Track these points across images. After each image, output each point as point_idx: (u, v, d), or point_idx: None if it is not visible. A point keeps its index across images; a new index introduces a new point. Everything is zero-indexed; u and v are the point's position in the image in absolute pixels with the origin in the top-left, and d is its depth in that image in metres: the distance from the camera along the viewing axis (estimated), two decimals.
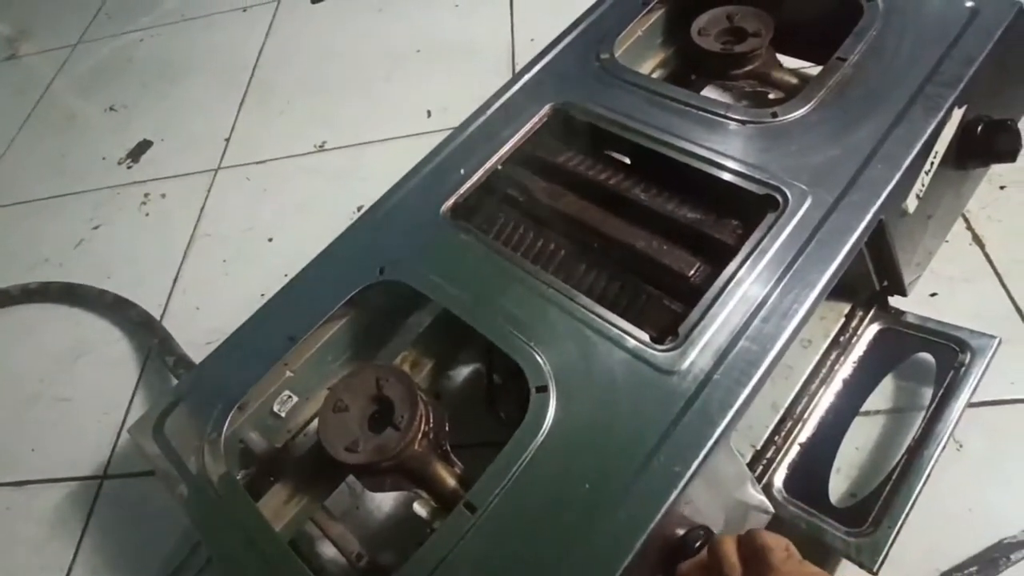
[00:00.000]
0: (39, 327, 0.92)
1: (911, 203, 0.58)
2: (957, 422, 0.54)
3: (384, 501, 0.66)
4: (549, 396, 0.50)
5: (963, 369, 0.55)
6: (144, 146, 1.14)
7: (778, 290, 0.51)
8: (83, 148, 1.18)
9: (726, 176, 0.60)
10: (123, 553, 0.69)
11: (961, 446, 0.57)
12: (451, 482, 0.52)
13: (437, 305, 0.61)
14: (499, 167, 0.69)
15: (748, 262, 0.53)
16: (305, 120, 1.08)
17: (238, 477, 0.64)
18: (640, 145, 0.66)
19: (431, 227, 0.65)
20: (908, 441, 0.55)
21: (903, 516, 0.50)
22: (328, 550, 0.62)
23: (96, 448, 0.77)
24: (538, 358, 0.52)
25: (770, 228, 0.55)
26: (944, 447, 0.53)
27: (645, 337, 0.52)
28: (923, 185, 0.59)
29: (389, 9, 1.22)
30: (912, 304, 0.63)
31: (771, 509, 0.51)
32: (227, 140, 1.10)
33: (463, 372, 0.73)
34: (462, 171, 0.68)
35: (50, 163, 1.18)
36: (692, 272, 0.58)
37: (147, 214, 1.03)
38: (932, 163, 0.59)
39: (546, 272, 0.59)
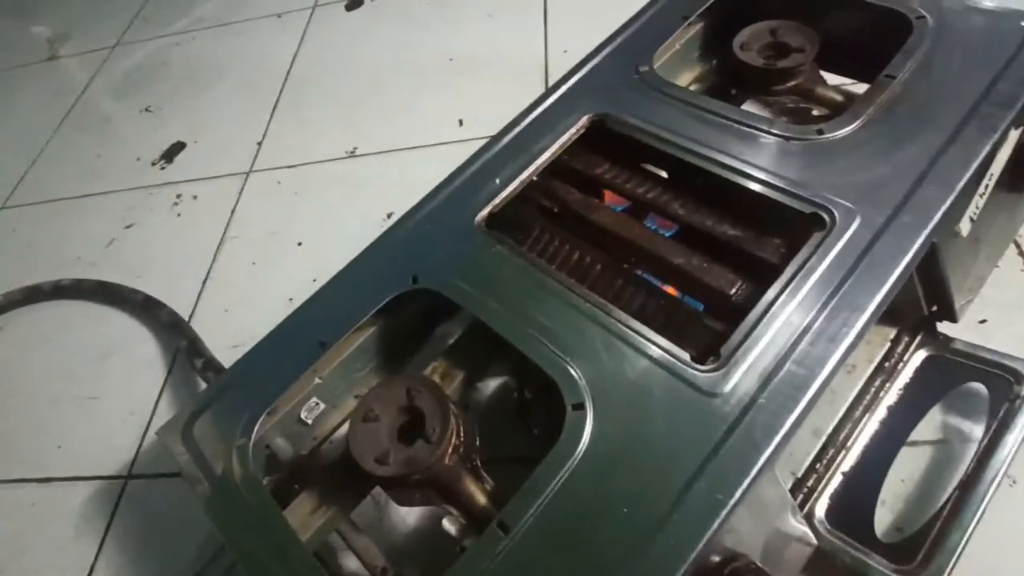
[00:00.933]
0: (69, 324, 0.93)
1: (964, 226, 0.56)
2: (1013, 457, 0.51)
3: (408, 514, 0.65)
4: (586, 414, 0.49)
5: (1019, 401, 0.53)
6: (177, 148, 1.15)
7: (825, 313, 0.50)
8: (117, 149, 1.20)
9: (769, 193, 0.58)
10: (146, 554, 0.68)
11: (1014, 482, 0.54)
12: (481, 499, 0.51)
13: (468, 316, 0.60)
14: (535, 178, 0.69)
15: (793, 283, 0.52)
16: (337, 126, 1.08)
17: (265, 484, 0.63)
18: (679, 159, 0.64)
19: (465, 237, 0.64)
20: (958, 475, 0.53)
21: (956, 554, 0.48)
22: (351, 562, 0.61)
23: (121, 448, 0.77)
24: (574, 374, 0.51)
25: (817, 248, 0.53)
26: (1000, 482, 0.50)
27: (686, 356, 0.50)
28: (977, 208, 0.57)
29: (421, 18, 1.23)
30: (961, 331, 0.60)
31: (814, 540, 0.49)
32: (259, 144, 1.10)
33: (491, 385, 0.72)
34: (497, 181, 0.67)
35: (84, 163, 1.20)
36: (734, 290, 0.56)
37: (179, 215, 1.04)
38: (987, 185, 0.57)
39: (582, 286, 0.57)
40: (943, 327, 0.61)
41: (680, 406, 0.48)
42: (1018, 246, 0.68)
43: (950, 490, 0.52)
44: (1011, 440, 0.52)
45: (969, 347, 0.58)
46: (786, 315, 0.50)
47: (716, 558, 0.45)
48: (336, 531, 0.59)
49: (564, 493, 0.46)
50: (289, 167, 1.04)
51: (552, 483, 0.46)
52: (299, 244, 0.92)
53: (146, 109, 1.26)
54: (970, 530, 0.49)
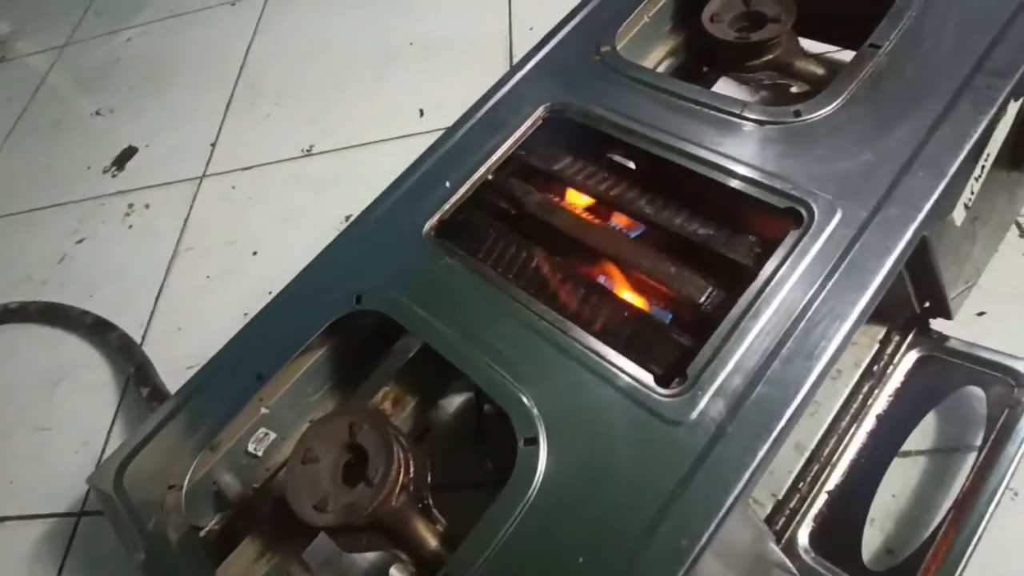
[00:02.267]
0: (19, 350, 0.88)
1: (958, 215, 0.50)
2: (1015, 468, 0.47)
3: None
4: (539, 450, 0.44)
5: (1020, 407, 0.48)
6: (129, 153, 1.09)
7: (802, 324, 0.44)
8: (69, 156, 1.14)
9: (741, 186, 0.53)
10: None
11: (1016, 494, 0.50)
12: (432, 542, 0.47)
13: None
14: (489, 177, 0.63)
15: (767, 291, 0.46)
16: (292, 122, 1.02)
17: (212, 523, 0.59)
18: (644, 151, 0.59)
19: (413, 249, 0.59)
20: (955, 489, 0.48)
21: None
22: None
23: (74, 482, 0.73)
24: (527, 404, 0.46)
25: (793, 248, 0.48)
26: (999, 498, 0.46)
27: (649, 379, 0.45)
28: (972, 193, 0.51)
29: None
30: (957, 326, 0.55)
31: (795, 572, 0.45)
32: (213, 145, 1.04)
33: (455, 401, 0.67)
34: (447, 184, 0.62)
35: (36, 173, 1.14)
36: (703, 298, 0.51)
37: (131, 226, 0.98)
38: (983, 167, 0.51)
39: (539, 301, 0.52)
40: (938, 324, 0.55)
41: (642, 437, 0.43)
42: (1020, 227, 0.62)
43: (946, 506, 0.48)
44: (1012, 450, 0.47)
45: (965, 346, 0.53)
46: (758, 328, 0.45)
47: None
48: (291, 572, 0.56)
49: (516, 540, 0.42)
50: (244, 169, 0.99)
51: (502, 530, 0.42)
52: (254, 254, 0.87)
53: (97, 112, 1.20)
54: (969, 552, 0.44)
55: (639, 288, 0.55)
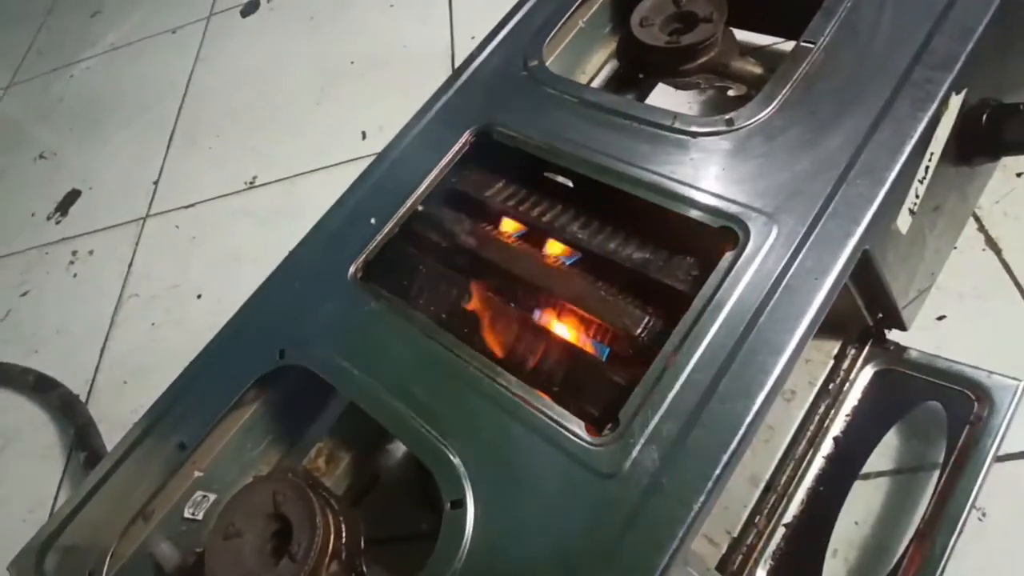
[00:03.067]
0: None
1: (903, 222, 0.47)
2: (979, 488, 0.44)
3: None
4: (466, 513, 0.41)
5: (980, 424, 0.45)
6: (72, 197, 1.06)
7: (739, 356, 0.41)
8: (13, 204, 1.11)
9: (674, 206, 0.50)
10: None
11: (984, 515, 0.47)
12: None
13: None
14: (420, 208, 0.60)
15: (701, 321, 0.43)
16: (235, 154, 0.99)
17: None
18: (575, 172, 0.55)
19: (338, 294, 0.55)
20: (920, 511, 0.45)
21: None
22: None
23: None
24: (454, 463, 0.43)
25: (727, 272, 0.45)
26: (963, 525, 0.43)
27: (579, 429, 0.42)
28: (917, 197, 0.48)
29: (321, 17, 1.11)
30: (917, 333, 0.52)
31: None
32: (155, 183, 1.01)
33: (403, 447, 0.64)
34: (372, 220, 0.58)
35: None
36: (640, 330, 0.48)
37: (75, 275, 0.95)
38: (927, 168, 0.48)
39: (468, 345, 0.49)
40: (895, 334, 0.52)
41: (573, 493, 0.40)
42: (978, 220, 0.59)
43: (912, 531, 0.45)
44: (974, 472, 0.44)
45: (924, 357, 0.50)
46: (692, 365, 0.42)
47: None
48: None
49: None
50: (187, 207, 0.95)
51: None
52: (199, 297, 0.84)
53: (40, 156, 1.17)
54: None
55: (575, 322, 0.52)
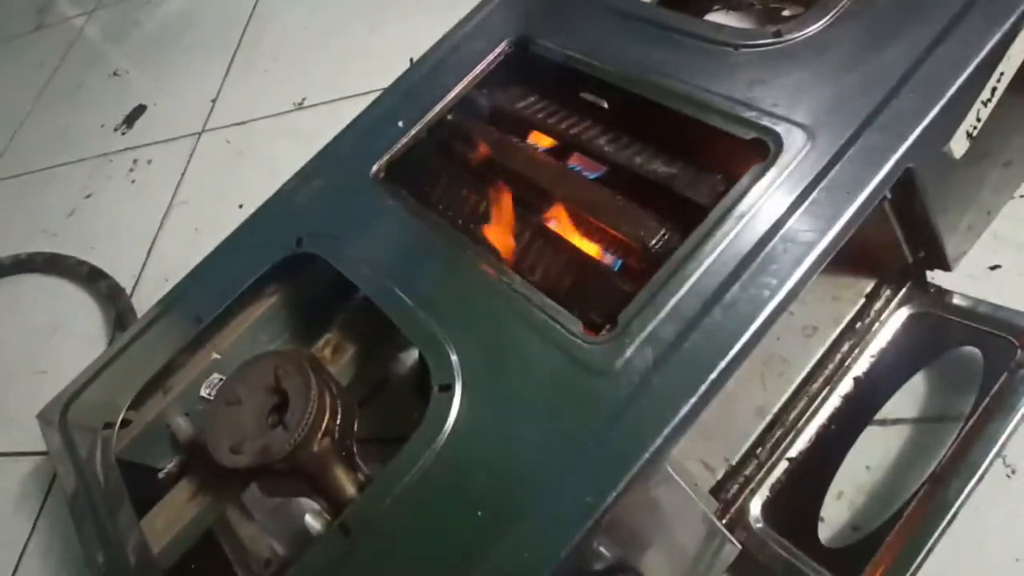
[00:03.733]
0: (27, 298, 0.92)
1: (958, 145, 0.43)
2: (1007, 439, 0.40)
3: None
4: (452, 397, 0.41)
5: (1021, 371, 0.41)
6: (138, 111, 1.11)
7: (752, 267, 0.39)
8: (86, 116, 1.17)
9: (707, 117, 0.47)
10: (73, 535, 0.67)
11: (1014, 471, 0.43)
12: (350, 490, 0.45)
13: None
14: (448, 116, 0.59)
15: (718, 230, 0.41)
16: (287, 77, 1.01)
17: (171, 465, 0.60)
18: (610, 84, 0.53)
19: (359, 191, 0.56)
20: (936, 462, 0.42)
21: (915, 564, 0.38)
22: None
23: None
24: (448, 351, 0.43)
25: (753, 183, 0.42)
26: (983, 473, 0.39)
27: (576, 327, 0.41)
28: (978, 119, 0.43)
29: None
30: (965, 281, 0.48)
31: (737, 546, 0.40)
32: (213, 102, 1.05)
33: (414, 354, 0.65)
34: (400, 124, 0.58)
35: (56, 133, 1.18)
36: (655, 241, 0.46)
37: (133, 181, 1.00)
38: (994, 88, 0.43)
39: (479, 247, 0.49)
40: (937, 277, 0.48)
41: (560, 386, 0.39)
42: None
43: (922, 480, 0.41)
44: (1009, 419, 0.40)
45: (967, 301, 0.46)
46: (701, 272, 0.40)
47: (596, 566, 0.37)
48: (226, 517, 0.55)
49: (416, 491, 0.39)
50: (238, 124, 0.98)
51: (404, 479, 0.39)
52: (240, 207, 0.87)
53: (114, 73, 1.23)
54: (938, 531, 0.38)
55: (590, 232, 0.50)
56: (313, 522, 0.45)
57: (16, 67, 1.42)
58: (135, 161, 1.03)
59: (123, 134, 1.09)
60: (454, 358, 0.43)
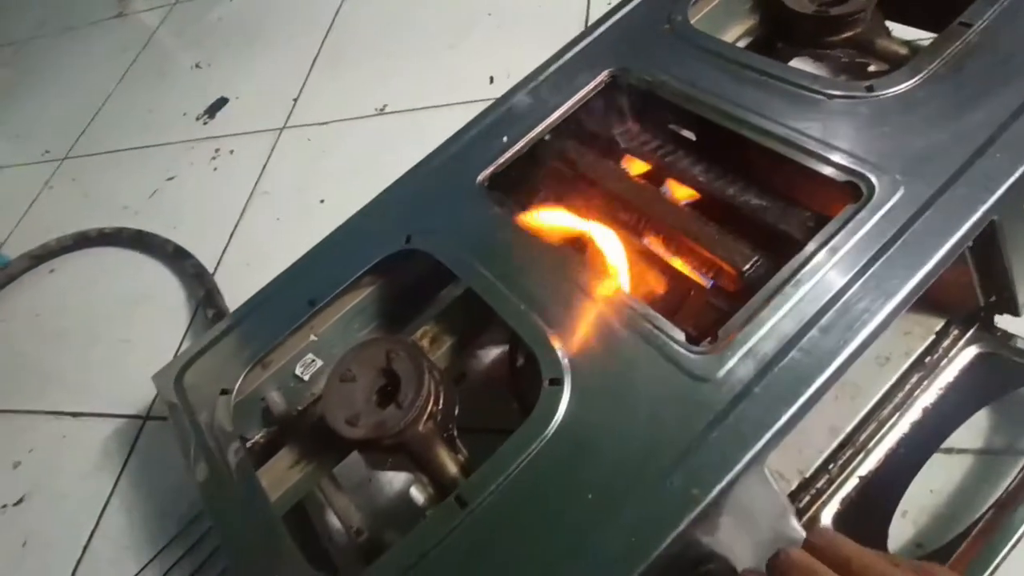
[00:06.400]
0: (110, 270, 0.98)
1: None
2: None
3: (396, 477, 0.64)
4: (562, 391, 0.45)
5: None
6: (220, 103, 1.18)
7: (846, 296, 0.43)
8: (168, 103, 1.24)
9: (800, 158, 0.51)
10: (155, 491, 0.72)
11: None
12: (453, 469, 0.49)
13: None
14: (546, 137, 0.64)
15: (813, 260, 0.45)
16: (369, 83, 1.06)
17: (258, 436, 0.64)
18: (703, 118, 0.58)
19: (465, 197, 0.61)
20: (1000, 490, 0.46)
21: None
22: (337, 520, 0.61)
23: (144, 390, 0.80)
24: (556, 347, 0.47)
25: (847, 222, 0.46)
26: None
27: (680, 336, 0.45)
28: None
29: None
30: None
31: None
32: (295, 100, 1.10)
33: (492, 352, 0.69)
34: (505, 139, 0.63)
35: (138, 117, 1.24)
36: (748, 267, 0.50)
37: (215, 168, 1.06)
38: None
39: (581, 254, 0.53)
40: (1004, 321, 0.52)
41: (665, 389, 0.43)
42: None
43: (986, 506, 0.45)
44: None
45: None
46: (800, 296, 0.44)
47: (690, 555, 0.41)
48: (319, 488, 0.59)
49: (529, 472, 0.43)
50: (320, 124, 1.04)
51: (517, 460, 0.43)
52: (321, 201, 0.92)
53: (196, 65, 1.29)
54: (1003, 554, 0.42)
55: (683, 253, 0.55)
56: (418, 494, 0.49)
57: (98, 50, 1.50)
58: (217, 150, 1.09)
59: (204, 123, 1.15)
60: (562, 353, 0.47)
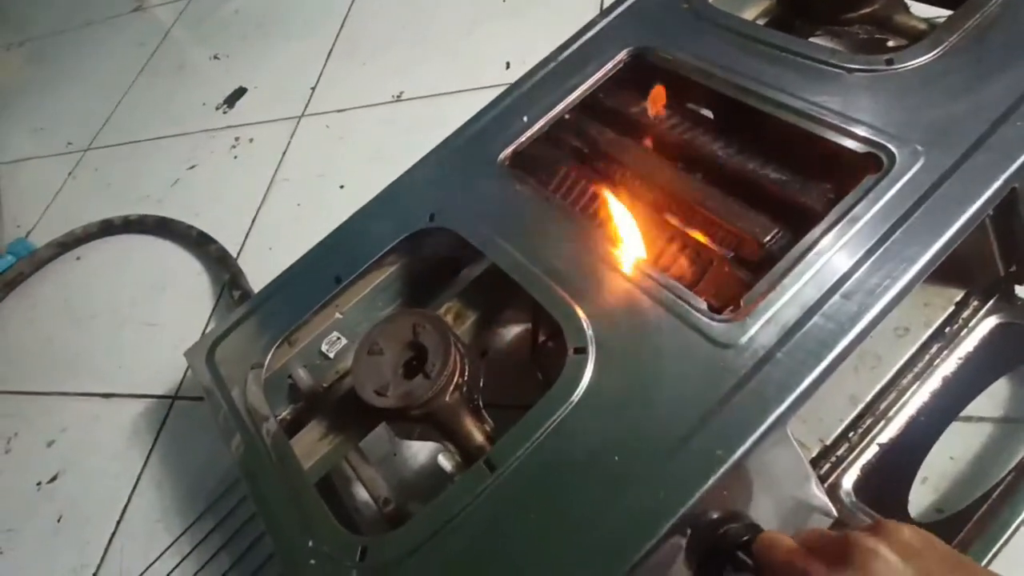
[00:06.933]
0: (136, 256, 1.00)
1: None
2: None
3: (420, 451, 0.66)
4: (587, 359, 0.46)
5: None
6: (239, 93, 1.19)
7: (867, 264, 0.44)
8: (188, 94, 1.26)
9: (820, 131, 0.52)
10: (184, 468, 0.74)
11: None
12: (479, 438, 0.50)
13: (484, 257, 0.58)
14: (566, 116, 0.65)
15: (835, 230, 0.46)
16: (386, 71, 1.08)
17: (285, 412, 0.66)
18: (724, 95, 0.59)
19: (487, 175, 0.62)
20: (1019, 456, 0.46)
21: (1000, 542, 0.42)
22: (363, 492, 0.63)
23: (172, 371, 0.82)
24: (580, 317, 0.49)
25: (867, 192, 0.47)
26: None
27: (701, 304, 0.46)
28: None
29: None
30: None
31: (833, 512, 0.45)
32: (313, 89, 1.12)
33: (513, 331, 0.70)
34: (525, 119, 0.64)
35: (159, 107, 1.26)
36: (768, 238, 0.51)
37: (236, 157, 1.08)
38: None
39: (602, 229, 0.54)
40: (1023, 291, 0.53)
41: (689, 356, 0.44)
42: None
43: (1005, 472, 0.46)
44: None
45: None
46: (821, 264, 0.45)
47: (714, 515, 0.42)
48: (346, 460, 0.61)
49: (556, 436, 0.44)
50: (338, 111, 1.05)
51: (545, 425, 0.45)
52: (341, 187, 0.94)
53: (215, 56, 1.31)
54: (1021, 517, 0.43)
55: (703, 226, 0.55)
56: (446, 462, 0.50)
57: (117, 44, 1.52)
58: (237, 138, 1.11)
59: (224, 113, 1.17)
60: (586, 322, 0.48)
